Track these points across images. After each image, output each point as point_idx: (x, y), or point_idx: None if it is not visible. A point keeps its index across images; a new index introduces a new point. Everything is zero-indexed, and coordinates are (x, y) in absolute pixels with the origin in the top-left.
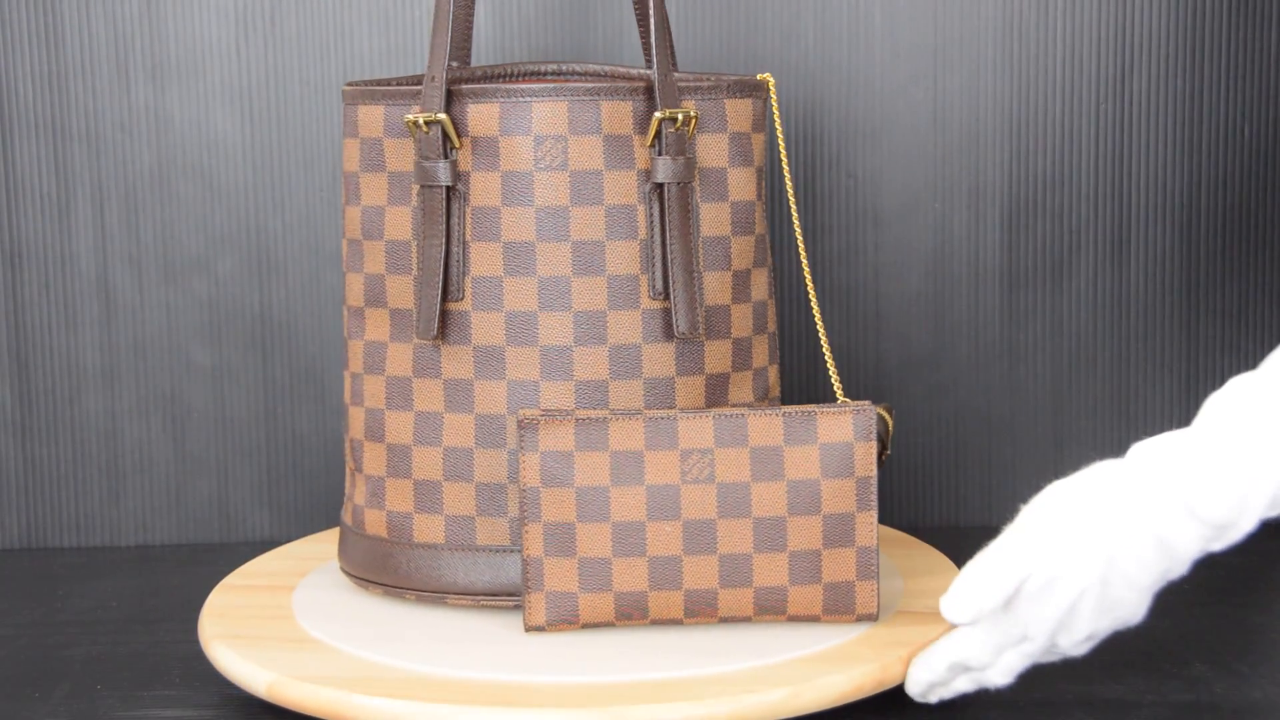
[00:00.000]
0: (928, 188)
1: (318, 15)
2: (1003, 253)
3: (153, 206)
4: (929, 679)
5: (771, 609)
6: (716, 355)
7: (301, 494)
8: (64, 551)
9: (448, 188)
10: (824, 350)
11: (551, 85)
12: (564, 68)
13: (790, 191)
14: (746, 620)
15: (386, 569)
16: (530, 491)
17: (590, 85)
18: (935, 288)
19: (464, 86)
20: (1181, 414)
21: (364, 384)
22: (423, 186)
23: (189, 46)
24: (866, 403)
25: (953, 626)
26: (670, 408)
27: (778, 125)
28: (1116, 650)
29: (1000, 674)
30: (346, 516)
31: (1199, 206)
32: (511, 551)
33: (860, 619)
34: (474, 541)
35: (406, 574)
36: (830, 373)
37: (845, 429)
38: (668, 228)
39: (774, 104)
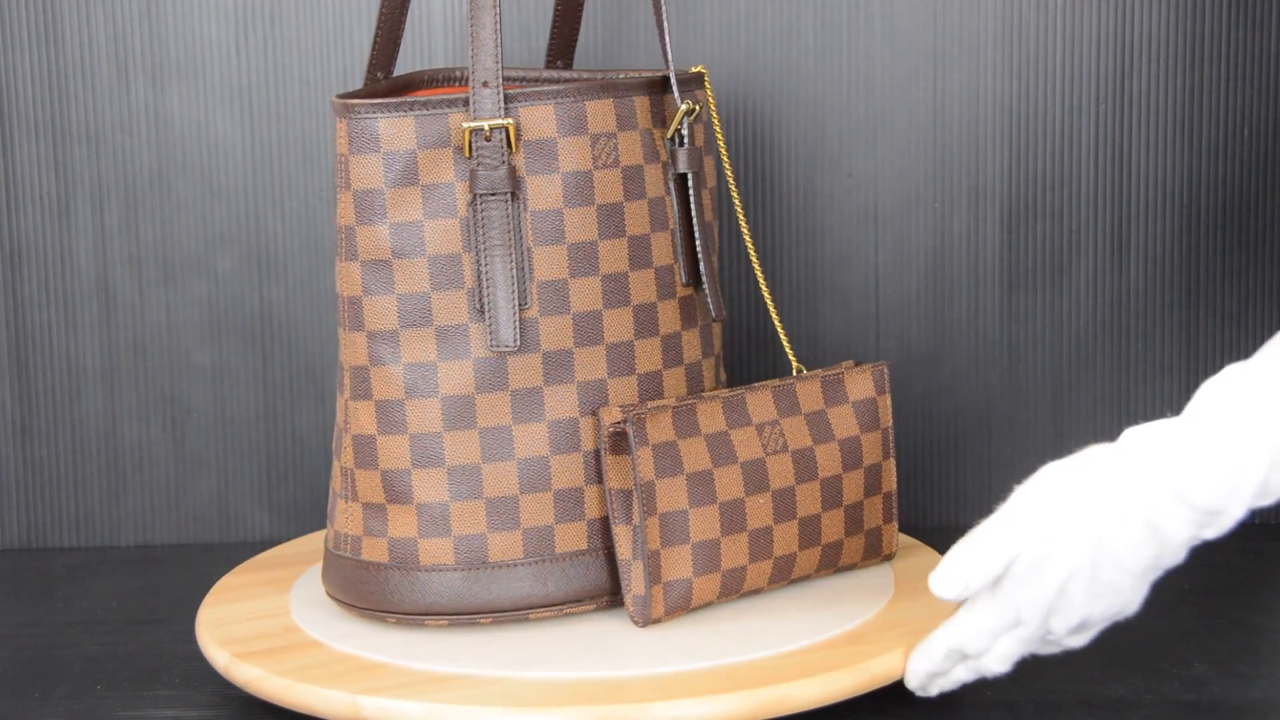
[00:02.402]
0: (927, 187)
1: (318, 15)
2: (1003, 253)
3: (153, 206)
4: (927, 669)
5: (830, 563)
6: (717, 336)
7: (301, 494)
8: (64, 551)
9: (510, 194)
10: (775, 322)
11: (596, 83)
12: (457, 73)
13: (730, 176)
14: (806, 578)
15: (460, 598)
16: (645, 486)
17: (626, 82)
18: (935, 287)
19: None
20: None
21: (407, 410)
22: (479, 195)
23: (189, 46)
24: (847, 361)
25: (949, 616)
26: (702, 391)
27: (714, 113)
28: (1116, 650)
29: (997, 661)
30: (374, 554)
31: (1199, 206)
32: (587, 554)
33: (885, 559)
34: (553, 550)
35: (489, 598)
36: (784, 345)
37: (868, 385)
38: (695, 216)
39: (710, 93)
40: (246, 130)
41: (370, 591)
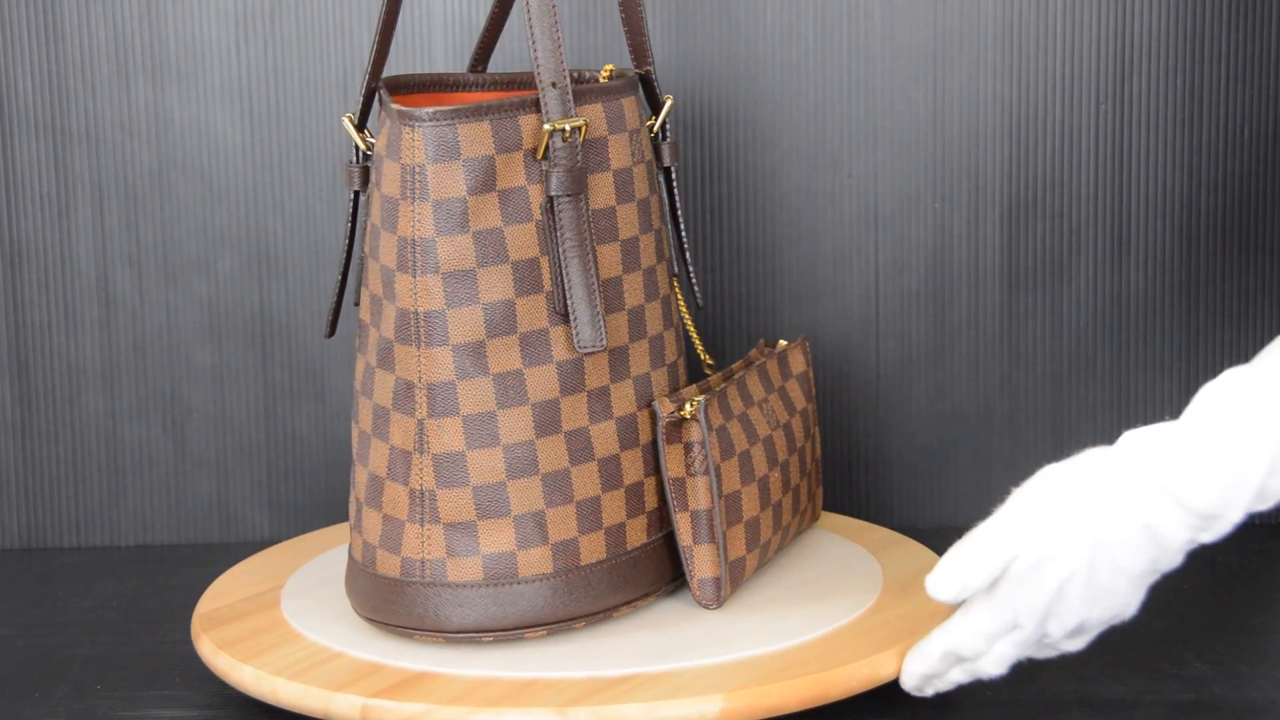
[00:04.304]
0: (927, 187)
1: (318, 15)
2: (1003, 253)
3: (153, 206)
4: (923, 670)
5: (799, 530)
6: None
7: (301, 494)
8: (64, 551)
9: (581, 194)
10: (688, 323)
11: (620, 83)
12: (451, 79)
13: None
14: (786, 546)
15: (563, 605)
16: (717, 469)
17: (629, 80)
18: (935, 287)
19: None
20: (1180, 414)
21: (499, 421)
22: (555, 198)
23: (189, 46)
24: (760, 342)
25: (946, 617)
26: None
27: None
28: (1116, 650)
29: (993, 664)
30: (465, 574)
31: (1199, 206)
32: (648, 545)
33: (814, 520)
34: (625, 546)
35: (583, 602)
36: (695, 341)
37: (802, 360)
38: (677, 208)
39: None
40: (246, 130)
41: (464, 615)
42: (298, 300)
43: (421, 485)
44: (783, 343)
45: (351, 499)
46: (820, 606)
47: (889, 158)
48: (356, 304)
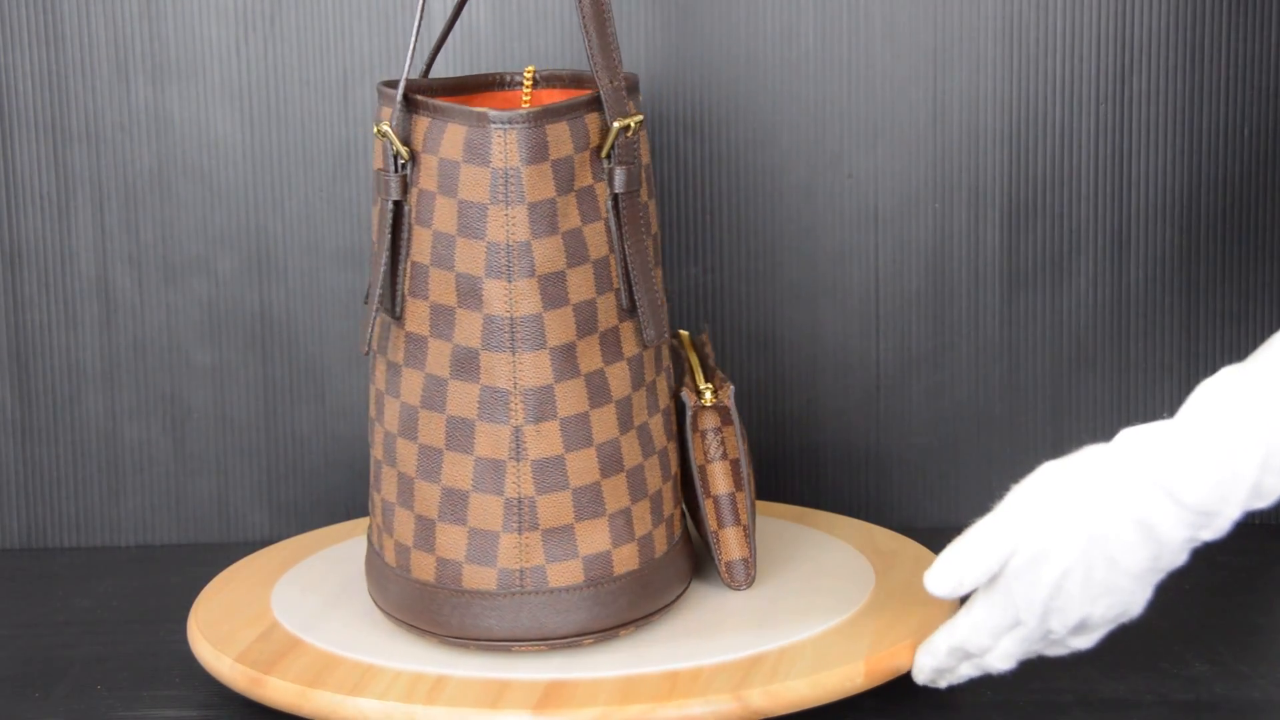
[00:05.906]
0: (927, 187)
1: (318, 15)
2: (1002, 253)
3: (153, 206)
4: (933, 664)
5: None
6: None
7: (301, 494)
8: (64, 551)
9: (640, 191)
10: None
11: (632, 81)
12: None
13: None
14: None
15: (647, 599)
16: (745, 452)
17: (635, 79)
18: (935, 288)
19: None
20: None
21: (592, 421)
22: (619, 195)
23: (189, 46)
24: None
25: (953, 611)
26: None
27: None
28: (1116, 650)
29: (1000, 659)
30: (565, 579)
31: (1199, 206)
32: (683, 535)
33: None
34: (675, 537)
35: (658, 596)
36: None
37: (712, 351)
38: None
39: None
40: (246, 130)
41: (569, 620)
42: (298, 300)
43: (519, 493)
44: (683, 332)
45: (406, 518)
46: (837, 590)
47: (889, 157)
48: (397, 316)
